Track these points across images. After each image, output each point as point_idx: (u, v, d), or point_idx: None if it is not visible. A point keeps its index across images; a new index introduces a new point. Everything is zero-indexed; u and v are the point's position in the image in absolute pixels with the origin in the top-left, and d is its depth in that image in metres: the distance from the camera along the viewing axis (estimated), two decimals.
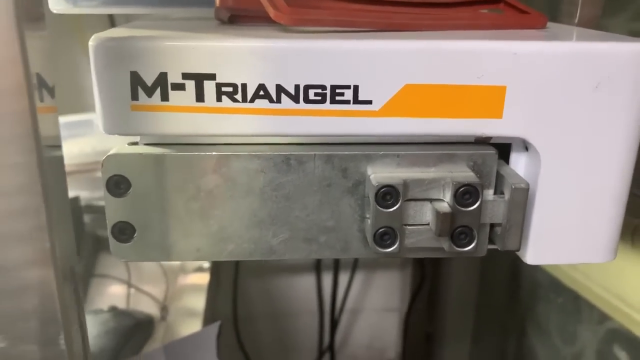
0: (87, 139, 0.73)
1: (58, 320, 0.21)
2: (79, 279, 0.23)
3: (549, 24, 0.34)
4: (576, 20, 0.41)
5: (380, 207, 0.27)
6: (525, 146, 0.29)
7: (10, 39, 0.17)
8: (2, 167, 0.19)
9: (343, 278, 1.00)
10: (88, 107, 0.76)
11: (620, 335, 0.65)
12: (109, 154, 0.28)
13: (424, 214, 0.28)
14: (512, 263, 0.86)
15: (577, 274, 0.69)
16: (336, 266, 0.99)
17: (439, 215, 0.27)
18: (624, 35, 0.29)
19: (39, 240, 0.20)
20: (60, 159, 0.22)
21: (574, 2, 0.42)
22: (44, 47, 0.20)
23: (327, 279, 1.00)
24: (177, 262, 0.74)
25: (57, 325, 0.21)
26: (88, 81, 0.79)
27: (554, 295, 0.77)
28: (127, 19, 0.72)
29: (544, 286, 0.80)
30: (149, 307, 0.66)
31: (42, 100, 0.20)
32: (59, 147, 0.22)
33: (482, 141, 0.29)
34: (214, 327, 0.52)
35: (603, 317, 0.68)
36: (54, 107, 0.21)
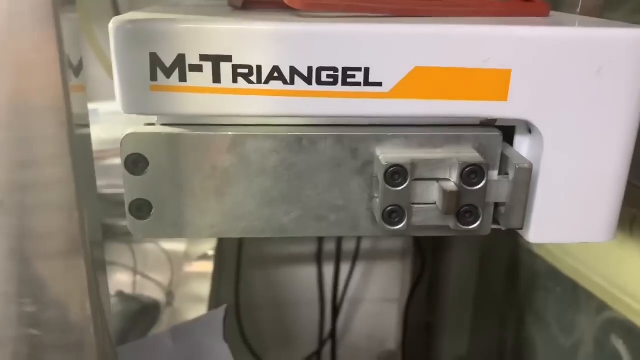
0: (92, 129, 0.74)
1: (84, 286, 0.22)
2: (102, 246, 0.24)
3: (552, 13, 0.35)
4: (578, 10, 0.42)
5: (389, 186, 0.28)
6: (529, 129, 0.30)
7: (47, 16, 0.18)
8: (35, 139, 0.20)
9: (344, 268, 1.01)
10: (93, 97, 0.77)
11: (619, 325, 0.66)
12: (127, 132, 0.29)
13: (431, 193, 0.29)
14: (511, 253, 0.87)
15: (576, 263, 0.70)
16: (338, 256, 1.00)
17: (445, 193, 0.28)
18: (624, 23, 0.30)
19: (69, 209, 0.21)
20: (88, 137, 0.23)
21: None
22: (73, 28, 0.21)
23: (328, 269, 1.01)
24: (182, 250, 0.75)
25: (83, 292, 0.22)
26: (93, 72, 0.80)
27: (553, 284, 0.78)
28: (131, 8, 0.73)
29: (543, 276, 0.80)
30: (155, 294, 0.67)
31: (70, 79, 0.21)
32: (87, 126, 0.23)
33: (487, 124, 0.30)
34: (221, 310, 0.53)
35: (601, 307, 0.69)
36: (82, 86, 0.22)
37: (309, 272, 1.01)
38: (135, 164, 0.29)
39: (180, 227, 0.30)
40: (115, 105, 0.28)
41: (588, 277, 0.68)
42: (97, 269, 0.23)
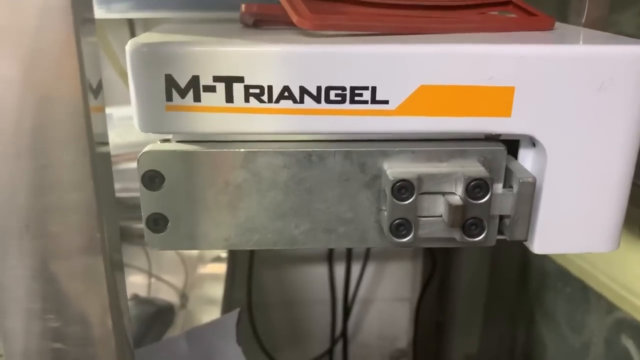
0: None
1: (106, 303, 0.23)
2: (122, 264, 0.25)
3: (557, 24, 0.36)
4: (583, 20, 0.43)
5: (396, 199, 0.29)
6: (533, 142, 0.31)
7: (69, 51, 0.19)
8: (60, 166, 0.21)
9: (355, 268, 1.02)
10: (107, 102, 0.78)
11: (628, 325, 0.67)
12: (144, 150, 0.30)
13: (437, 206, 0.30)
14: (521, 253, 0.88)
15: (585, 264, 0.70)
16: (349, 256, 1.01)
17: (451, 207, 0.29)
18: (627, 37, 0.31)
19: (91, 231, 0.22)
20: (108, 154, 0.24)
21: (583, 1, 0.43)
22: (93, 52, 0.22)
23: (339, 269, 1.02)
24: (196, 252, 0.76)
25: (104, 309, 0.23)
26: (107, 77, 0.81)
27: (562, 284, 0.79)
28: (145, 22, 0.74)
29: (553, 276, 0.81)
30: (169, 296, 0.68)
31: (90, 102, 0.22)
32: (106, 143, 0.24)
33: (492, 138, 0.31)
34: (234, 314, 0.54)
35: (611, 307, 0.69)
36: (102, 106, 0.23)
37: (320, 272, 1.02)
38: (152, 179, 0.30)
39: (195, 239, 0.31)
40: (129, 109, 0.29)
41: (596, 278, 0.69)
42: (118, 286, 0.24)
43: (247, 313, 0.99)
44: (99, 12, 0.34)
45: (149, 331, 0.60)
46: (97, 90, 0.22)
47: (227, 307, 0.68)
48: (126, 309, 0.26)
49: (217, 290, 0.70)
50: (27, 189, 0.21)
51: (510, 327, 0.93)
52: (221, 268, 0.74)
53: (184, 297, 0.68)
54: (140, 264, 0.72)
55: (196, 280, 0.72)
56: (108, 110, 0.80)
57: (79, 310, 0.23)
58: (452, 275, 1.03)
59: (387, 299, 1.07)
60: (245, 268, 0.97)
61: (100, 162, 0.22)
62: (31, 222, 0.22)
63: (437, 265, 1.02)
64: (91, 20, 0.21)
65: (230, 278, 0.76)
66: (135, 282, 0.71)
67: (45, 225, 0.22)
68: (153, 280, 0.71)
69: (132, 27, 0.77)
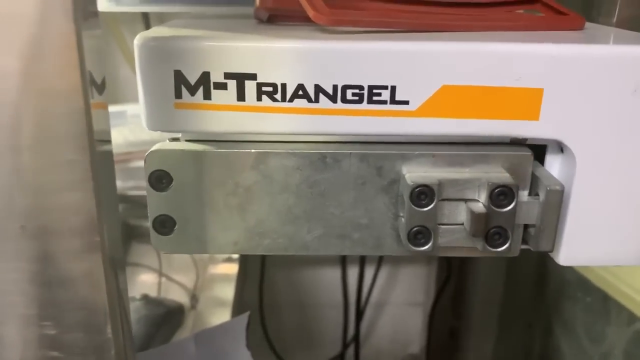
0: (119, 130, 0.74)
1: (105, 310, 0.22)
2: (124, 269, 0.24)
3: (587, 25, 0.34)
4: (614, 20, 0.41)
5: (415, 206, 0.28)
6: (561, 148, 0.29)
7: (70, 43, 0.18)
8: (58, 164, 0.20)
9: (369, 271, 1.01)
10: (120, 99, 0.77)
11: None
12: (151, 149, 0.28)
13: (459, 214, 0.29)
14: (539, 260, 0.86)
15: (606, 273, 0.69)
16: (362, 259, 1.00)
17: (473, 215, 0.27)
18: None
19: (90, 234, 0.21)
20: (110, 153, 0.23)
21: (613, 1, 0.41)
22: (96, 46, 0.21)
23: (352, 272, 1.01)
24: None
25: (104, 315, 0.22)
26: (121, 73, 0.81)
27: (582, 294, 0.77)
28: (161, 16, 0.73)
29: (572, 284, 0.79)
30: (179, 296, 0.67)
31: (92, 97, 0.21)
32: (108, 141, 0.23)
33: (517, 142, 0.29)
34: (244, 317, 0.53)
35: (632, 318, 0.67)
36: (104, 103, 0.22)
37: (333, 275, 1.01)
38: (159, 180, 0.29)
39: (203, 243, 0.30)
40: None
41: (617, 288, 0.67)
42: (120, 292, 0.23)
43: (258, 314, 0.98)
44: (109, 5, 0.33)
45: (158, 332, 0.59)
46: (100, 86, 0.21)
47: (237, 308, 0.67)
48: (128, 315, 0.24)
49: (228, 292, 0.69)
50: (23, 188, 0.20)
51: (527, 335, 0.91)
52: (232, 269, 0.74)
53: (194, 297, 0.67)
54: (150, 263, 0.71)
55: (207, 280, 0.71)
56: (122, 107, 0.80)
57: (77, 317, 0.22)
58: (467, 281, 1.02)
59: (401, 303, 1.06)
60: (257, 269, 0.96)
61: (101, 161, 0.21)
62: (27, 222, 0.21)
63: (452, 270, 1.00)
64: (94, 14, 0.20)
65: (242, 279, 0.75)
66: (146, 282, 0.70)
67: (42, 227, 0.21)
68: (163, 280, 0.70)
69: (147, 21, 0.76)
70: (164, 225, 0.29)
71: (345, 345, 1.05)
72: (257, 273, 0.96)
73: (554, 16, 0.33)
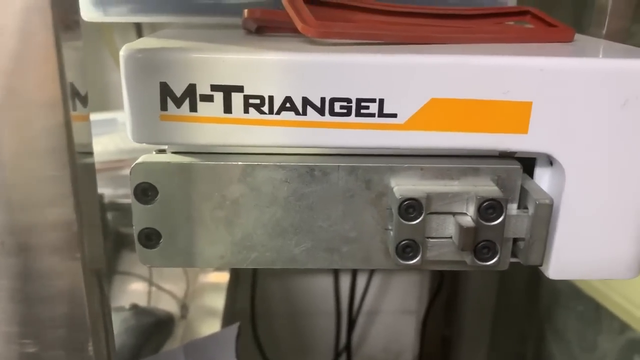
0: (111, 137, 0.74)
1: (87, 327, 0.21)
2: (107, 285, 0.24)
3: (576, 36, 0.34)
4: (604, 31, 0.41)
5: (403, 219, 0.28)
6: (550, 161, 0.29)
7: (49, 55, 0.18)
8: (38, 180, 0.19)
9: (361, 279, 1.00)
10: (112, 106, 0.77)
11: None
12: (137, 162, 0.28)
13: (447, 227, 0.28)
14: (531, 268, 0.86)
15: (598, 282, 0.69)
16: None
17: (462, 229, 0.27)
18: None
19: (70, 250, 0.20)
20: (92, 166, 0.23)
21: (603, 12, 0.41)
22: (78, 57, 0.20)
23: (345, 280, 1.00)
24: None
25: (85, 333, 0.21)
26: (113, 80, 0.80)
27: (574, 303, 0.77)
28: (153, 26, 0.73)
29: (565, 293, 0.79)
30: (169, 305, 0.66)
31: (74, 109, 0.21)
32: (90, 154, 0.22)
33: (506, 155, 0.29)
34: (234, 328, 0.53)
35: (624, 327, 0.67)
36: (87, 115, 0.22)
37: (325, 283, 1.01)
38: (145, 192, 0.28)
39: (190, 256, 0.29)
40: None
41: (609, 297, 0.67)
42: (102, 308, 0.23)
43: (250, 323, 0.97)
44: (97, 15, 0.33)
45: (147, 342, 0.58)
46: (83, 98, 0.21)
47: (228, 318, 0.66)
48: (111, 331, 0.24)
49: (219, 301, 0.68)
50: (2, 204, 0.20)
51: (519, 344, 0.91)
52: (224, 277, 0.73)
53: (184, 307, 0.67)
54: (141, 272, 0.71)
55: (198, 289, 0.70)
56: (113, 114, 0.79)
57: (58, 335, 0.21)
58: (459, 289, 1.01)
59: (393, 311, 1.05)
60: (249, 278, 0.95)
61: (82, 175, 0.20)
62: (7, 239, 0.20)
63: (444, 278, 1.00)
64: (76, 24, 0.20)
65: (233, 288, 0.75)
66: (136, 291, 0.69)
67: (22, 243, 0.20)
68: (154, 289, 0.70)
69: (139, 31, 0.76)
70: (150, 238, 0.29)
71: (337, 354, 1.05)
72: (249, 281, 0.96)
73: (544, 28, 0.33)
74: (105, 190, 0.73)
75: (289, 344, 1.05)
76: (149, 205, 0.29)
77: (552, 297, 0.82)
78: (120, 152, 0.76)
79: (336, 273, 1.00)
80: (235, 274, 0.77)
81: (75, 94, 0.21)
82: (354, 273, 0.99)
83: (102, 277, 0.23)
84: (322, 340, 1.04)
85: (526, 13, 0.34)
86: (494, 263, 0.28)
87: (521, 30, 0.33)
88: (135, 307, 0.62)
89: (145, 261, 0.29)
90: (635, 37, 0.60)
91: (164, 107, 0.27)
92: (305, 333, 1.04)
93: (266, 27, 0.32)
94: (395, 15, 0.32)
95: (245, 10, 0.31)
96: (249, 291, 0.96)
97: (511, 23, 0.35)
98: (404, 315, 1.06)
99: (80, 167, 0.20)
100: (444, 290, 1.02)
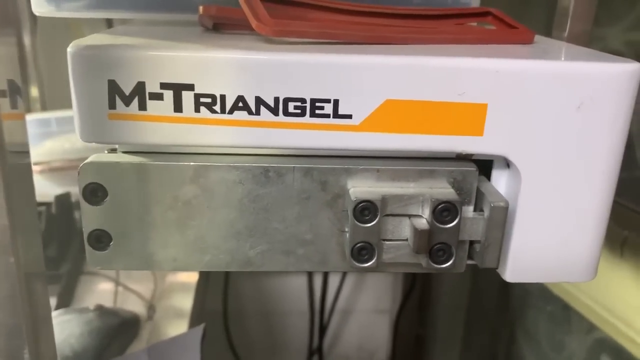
0: (75, 135, 0.72)
1: (22, 334, 0.21)
2: (46, 289, 0.23)
3: (537, 39, 0.34)
4: (566, 34, 0.41)
5: (359, 222, 0.27)
6: (507, 163, 0.29)
7: None
8: None
9: (334, 279, 1.00)
10: None
11: (609, 345, 0.65)
12: (85, 161, 0.27)
13: (403, 230, 0.28)
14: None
15: (567, 284, 0.69)
16: None
17: (416, 232, 0.27)
18: (610, 54, 0.29)
19: (3, 254, 0.19)
20: (28, 166, 0.22)
21: (565, 15, 0.41)
22: (9, 55, 0.20)
23: (318, 280, 1.00)
24: None
25: (20, 340, 0.21)
26: None
27: (543, 303, 0.77)
28: (124, 22, 0.71)
29: (534, 294, 0.79)
30: (136, 306, 0.65)
31: (15, 106, 0.20)
32: (26, 153, 0.22)
33: (463, 158, 0.29)
34: (199, 330, 0.52)
35: (591, 327, 0.68)
36: (22, 114, 0.21)
37: (298, 282, 1.00)
38: (94, 193, 0.28)
39: (141, 259, 0.29)
40: None
41: (578, 298, 0.68)
42: (41, 313, 0.22)
43: (222, 323, 0.96)
44: (47, 10, 0.32)
45: (111, 344, 0.57)
46: (17, 96, 0.20)
47: (196, 318, 0.66)
48: (51, 336, 0.23)
49: (187, 301, 0.67)
50: None
51: (491, 343, 0.91)
52: (193, 277, 0.72)
53: (151, 307, 0.66)
54: (107, 272, 0.69)
55: (166, 289, 0.69)
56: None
57: None
58: (432, 288, 1.02)
59: (367, 310, 1.05)
60: (222, 277, 0.95)
61: (16, 175, 0.20)
62: None
63: (417, 278, 1.00)
64: (10, 20, 0.19)
65: (202, 288, 0.74)
66: (102, 291, 0.68)
67: None
68: (120, 289, 0.68)
69: (110, 25, 0.74)
70: (100, 240, 0.28)
71: (311, 353, 1.04)
72: (221, 281, 0.95)
73: (504, 29, 0.33)
74: (73, 188, 0.72)
75: (262, 343, 1.04)
76: (99, 206, 0.28)
77: (523, 297, 0.82)
78: (88, 149, 0.75)
79: (310, 272, 0.99)
80: (205, 273, 0.76)
81: (12, 91, 0.20)
82: (326, 272, 0.99)
83: (41, 281, 0.22)
84: (296, 339, 1.04)
85: (487, 14, 0.34)
86: (449, 266, 0.28)
87: (481, 31, 0.32)
88: (100, 308, 0.61)
89: (95, 263, 0.29)
90: (603, 41, 0.60)
91: (112, 105, 0.26)
92: (279, 332, 1.04)
93: (224, 25, 0.32)
94: (355, 15, 0.31)
95: (201, 7, 0.31)
96: (222, 290, 0.95)
97: (474, 24, 0.35)
98: (377, 314, 1.06)
99: (13, 167, 0.19)
100: (417, 290, 1.02)
